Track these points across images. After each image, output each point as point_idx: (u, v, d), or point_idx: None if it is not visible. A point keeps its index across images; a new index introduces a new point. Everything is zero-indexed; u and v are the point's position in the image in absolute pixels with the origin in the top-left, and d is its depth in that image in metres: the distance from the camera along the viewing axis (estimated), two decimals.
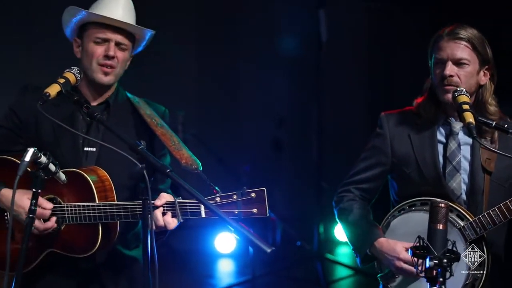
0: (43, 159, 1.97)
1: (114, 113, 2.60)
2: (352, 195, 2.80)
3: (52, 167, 2.00)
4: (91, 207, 2.33)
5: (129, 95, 2.70)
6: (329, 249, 6.76)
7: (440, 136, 2.70)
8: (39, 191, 2.01)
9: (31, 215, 1.98)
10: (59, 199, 2.40)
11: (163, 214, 2.25)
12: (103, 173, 2.42)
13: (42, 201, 2.33)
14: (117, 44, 2.51)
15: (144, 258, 2.02)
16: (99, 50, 2.49)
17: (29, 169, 2.09)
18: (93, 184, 2.34)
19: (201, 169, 2.31)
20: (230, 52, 7.79)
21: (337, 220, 2.85)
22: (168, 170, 1.94)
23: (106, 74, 2.51)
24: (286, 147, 7.01)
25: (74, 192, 2.36)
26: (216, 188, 2.22)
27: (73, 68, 2.35)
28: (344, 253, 6.91)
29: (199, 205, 2.20)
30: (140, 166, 1.92)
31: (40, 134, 2.52)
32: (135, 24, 2.56)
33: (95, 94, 2.59)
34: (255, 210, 2.17)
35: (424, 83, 2.79)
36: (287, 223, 6.48)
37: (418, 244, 2.05)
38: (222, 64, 7.81)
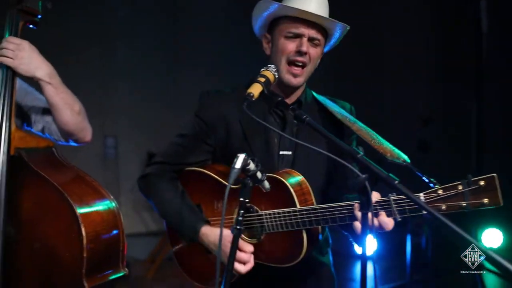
0: (252, 166, 1.82)
1: (307, 113, 2.37)
2: None
3: (259, 174, 1.85)
4: (292, 213, 2.17)
5: (313, 93, 2.54)
6: None
7: None
8: (247, 200, 1.86)
9: (238, 227, 1.84)
10: (255, 207, 2.26)
11: (376, 214, 2.05)
12: (299, 175, 2.27)
13: (242, 244, 2.24)
14: (310, 39, 2.34)
15: (362, 273, 1.87)
16: (291, 45, 2.33)
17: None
18: (292, 188, 2.18)
19: (409, 161, 2.11)
20: (371, 45, 7.51)
21: None
22: (396, 182, 1.72)
23: (295, 76, 2.34)
24: (434, 149, 6.61)
25: (272, 199, 2.22)
26: (432, 179, 2.00)
27: (270, 66, 2.18)
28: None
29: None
30: (363, 176, 1.71)
31: (230, 138, 2.41)
32: (329, 18, 2.35)
33: (287, 93, 2.43)
34: (486, 200, 1.92)
35: None
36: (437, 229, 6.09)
37: None
38: (362, 59, 7.55)
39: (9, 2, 2.39)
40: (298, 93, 2.46)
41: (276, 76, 2.19)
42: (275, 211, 2.21)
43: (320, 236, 2.31)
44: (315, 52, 2.36)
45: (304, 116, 2.02)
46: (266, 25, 2.45)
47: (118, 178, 7.14)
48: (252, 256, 2.25)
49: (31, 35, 2.48)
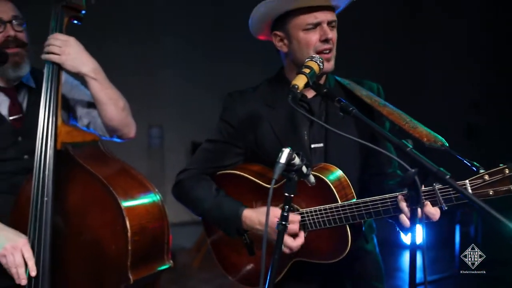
0: (297, 160, 1.77)
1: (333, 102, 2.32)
2: None
3: (304, 169, 1.81)
4: (334, 209, 2.12)
5: (337, 78, 2.45)
6: None
7: None
8: (292, 195, 1.81)
9: (283, 222, 1.80)
10: (295, 206, 2.21)
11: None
12: (337, 169, 2.21)
13: (289, 215, 2.13)
14: (328, 23, 2.25)
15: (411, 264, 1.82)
16: (314, 37, 2.24)
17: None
18: (332, 184, 2.13)
19: (447, 145, 2.02)
20: (420, 28, 7.33)
21: None
22: (448, 177, 1.65)
23: (328, 60, 2.24)
24: (483, 134, 6.43)
25: (311, 196, 2.16)
26: (475, 163, 1.91)
27: (314, 57, 2.09)
28: None
29: (464, 187, 1.89)
30: (412, 171, 1.65)
31: (261, 137, 2.35)
32: None
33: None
34: None
35: None
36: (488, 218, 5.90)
37: None
38: (408, 44, 7.38)
39: None
40: (322, 81, 2.35)
41: (321, 67, 2.09)
42: (316, 208, 2.16)
43: (363, 228, 2.26)
44: (335, 35, 2.28)
45: (351, 108, 1.95)
46: (269, 25, 2.35)
47: (163, 168, 7.20)
48: (301, 234, 2.18)
49: (74, 26, 2.50)
